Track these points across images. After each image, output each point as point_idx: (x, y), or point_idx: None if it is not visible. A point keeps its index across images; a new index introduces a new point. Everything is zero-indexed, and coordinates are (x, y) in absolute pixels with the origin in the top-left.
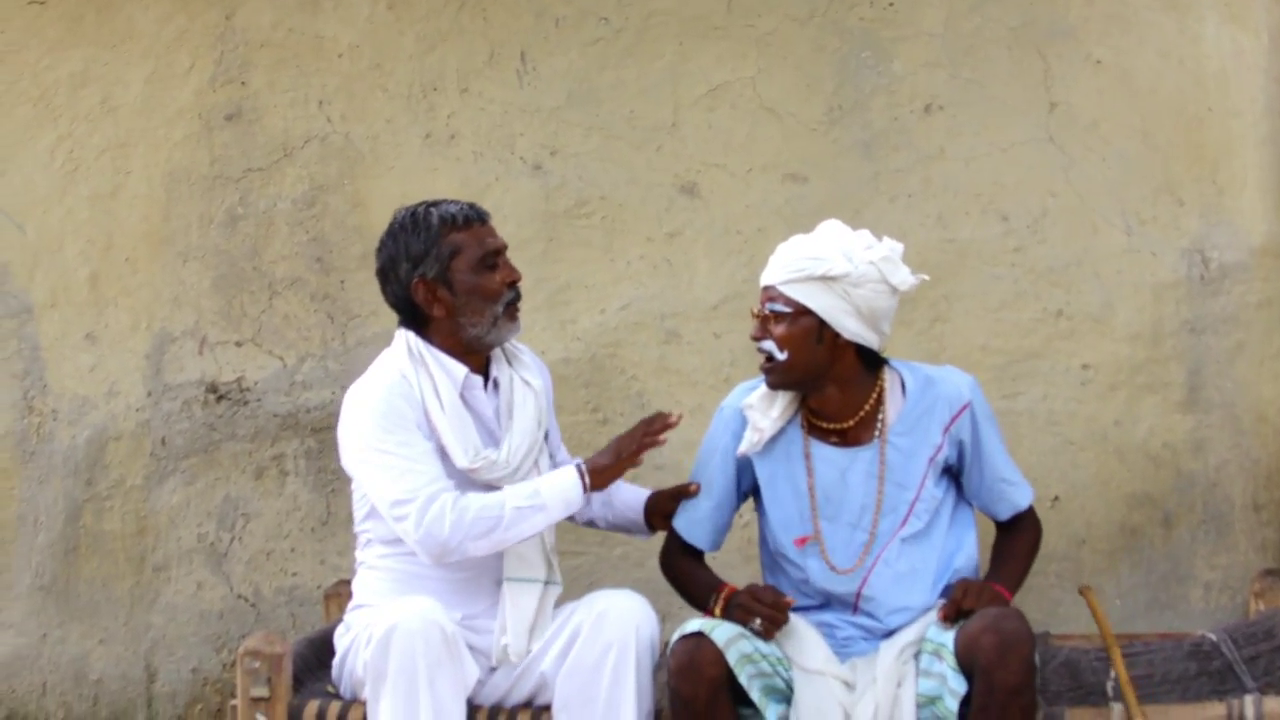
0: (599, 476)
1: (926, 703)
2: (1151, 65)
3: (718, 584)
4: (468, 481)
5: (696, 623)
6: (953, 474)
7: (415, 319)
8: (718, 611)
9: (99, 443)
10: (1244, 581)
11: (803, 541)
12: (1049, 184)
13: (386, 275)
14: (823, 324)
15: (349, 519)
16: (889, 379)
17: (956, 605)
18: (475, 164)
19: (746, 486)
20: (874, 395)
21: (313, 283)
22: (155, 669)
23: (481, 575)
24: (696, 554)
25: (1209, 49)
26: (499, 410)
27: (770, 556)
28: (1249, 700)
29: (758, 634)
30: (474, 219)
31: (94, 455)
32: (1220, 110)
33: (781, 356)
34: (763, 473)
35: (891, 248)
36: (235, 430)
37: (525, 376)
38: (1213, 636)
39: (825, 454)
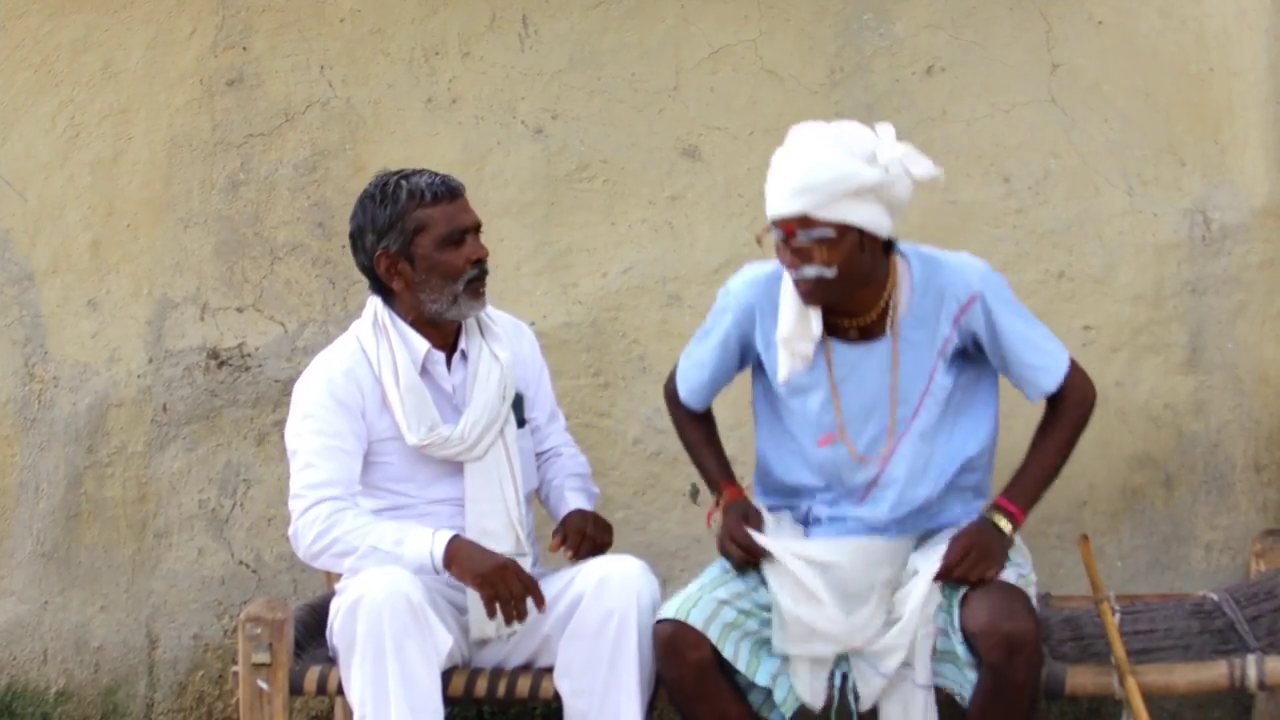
0: (457, 565)
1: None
2: (1153, 25)
3: (721, 482)
4: (422, 459)
5: (674, 604)
6: (968, 355)
7: (380, 288)
8: (718, 515)
9: (100, 409)
10: (1245, 542)
11: (828, 440)
12: (1051, 145)
13: (355, 243)
14: (863, 234)
15: None
16: (900, 268)
17: (949, 570)
18: (477, 128)
19: (749, 362)
20: (889, 286)
21: (314, 248)
22: (156, 636)
23: None
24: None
25: (1210, 8)
26: (465, 383)
27: (771, 434)
28: (1251, 660)
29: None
30: (444, 195)
31: (95, 422)
32: (1222, 70)
33: (831, 274)
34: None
35: (894, 138)
36: (236, 396)
37: (494, 349)
38: (1214, 597)
39: (842, 350)
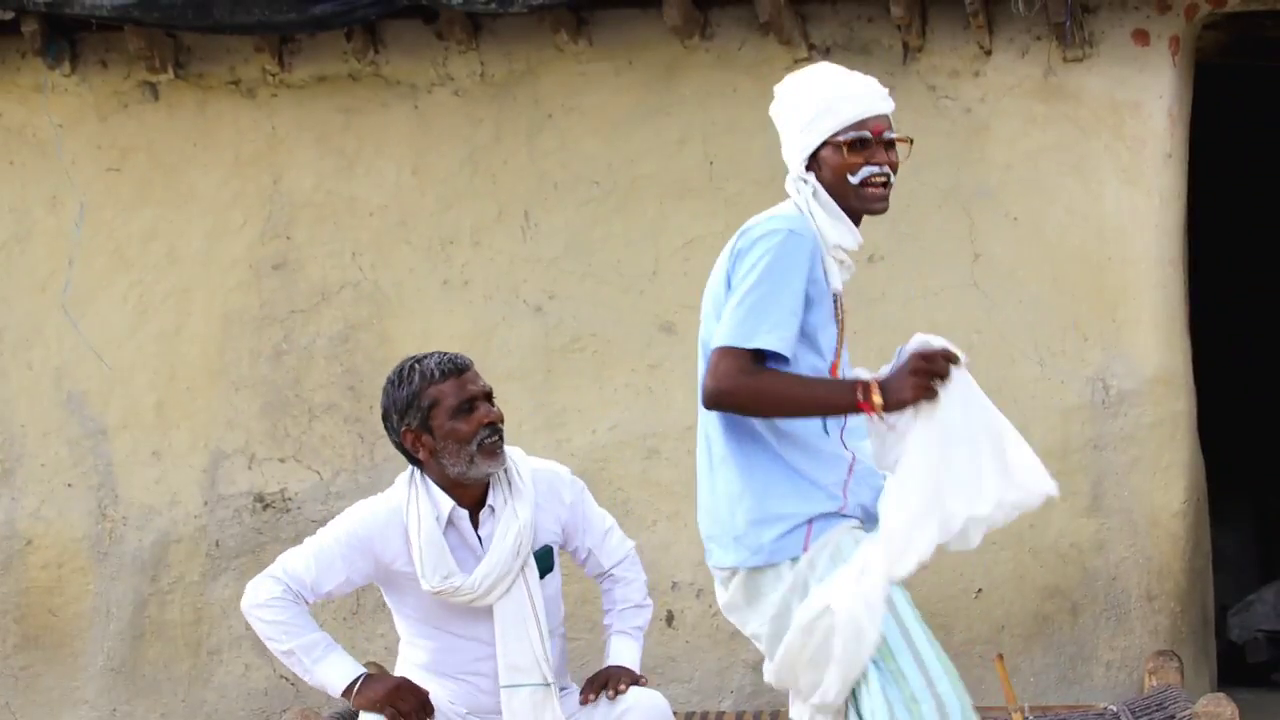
0: (358, 697)
1: None
2: (1060, 221)
3: (853, 380)
4: (438, 603)
5: None
6: None
7: (411, 459)
8: (876, 400)
9: (162, 545)
10: (1139, 661)
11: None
12: (973, 323)
13: (385, 424)
14: None
15: (375, 609)
16: None
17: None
18: (485, 306)
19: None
20: None
21: (346, 408)
22: None
23: (481, 677)
24: None
25: (1109, 207)
26: (489, 538)
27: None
28: None
29: None
30: (451, 371)
31: (158, 556)
32: (1119, 259)
33: (894, 178)
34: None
35: None
36: (279, 534)
37: (516, 507)
38: (1113, 708)
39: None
